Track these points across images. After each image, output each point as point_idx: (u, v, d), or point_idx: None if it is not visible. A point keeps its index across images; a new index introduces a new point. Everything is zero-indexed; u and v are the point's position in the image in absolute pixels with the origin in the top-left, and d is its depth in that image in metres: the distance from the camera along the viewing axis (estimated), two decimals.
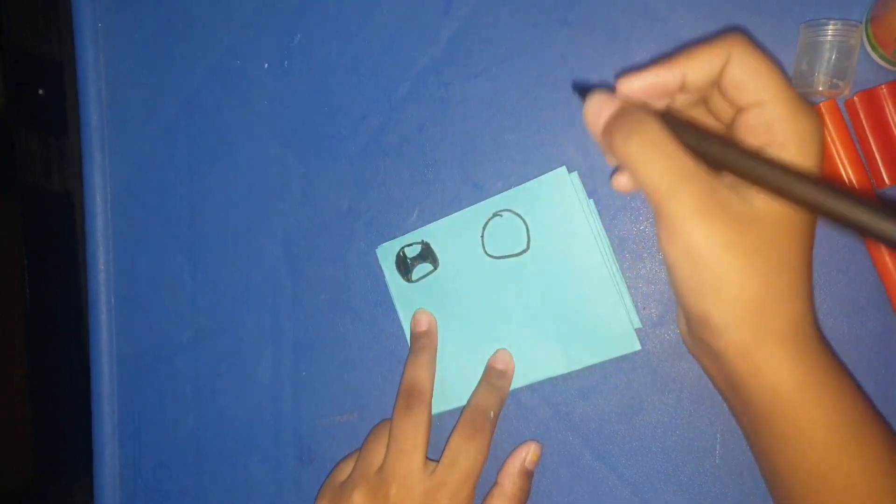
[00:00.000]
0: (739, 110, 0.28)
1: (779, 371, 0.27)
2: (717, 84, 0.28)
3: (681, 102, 0.30)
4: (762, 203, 0.26)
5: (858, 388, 0.30)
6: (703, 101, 0.30)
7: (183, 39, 0.47)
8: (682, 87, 0.28)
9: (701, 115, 0.31)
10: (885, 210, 0.23)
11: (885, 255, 0.36)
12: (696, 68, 0.27)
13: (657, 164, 0.26)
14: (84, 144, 0.48)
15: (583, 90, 0.31)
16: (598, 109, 0.29)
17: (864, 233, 0.24)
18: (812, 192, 0.24)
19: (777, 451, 0.30)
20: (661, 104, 0.29)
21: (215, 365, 0.46)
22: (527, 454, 0.40)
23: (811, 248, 0.28)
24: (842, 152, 0.35)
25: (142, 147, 0.48)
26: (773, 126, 0.26)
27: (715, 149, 0.26)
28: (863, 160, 0.36)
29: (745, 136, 0.28)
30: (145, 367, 0.48)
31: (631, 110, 0.28)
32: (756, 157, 0.26)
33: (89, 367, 0.49)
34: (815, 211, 0.25)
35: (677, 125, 0.27)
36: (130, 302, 0.48)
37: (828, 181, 0.26)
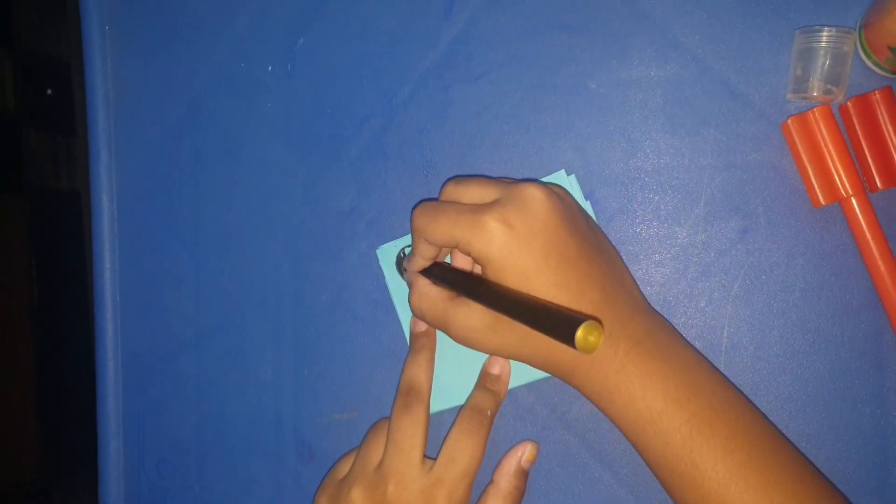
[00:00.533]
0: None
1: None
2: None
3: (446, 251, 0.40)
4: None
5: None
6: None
7: (188, 42, 0.48)
8: (433, 257, 0.38)
9: None
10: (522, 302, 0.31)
11: (876, 257, 0.36)
12: (422, 256, 0.38)
13: (430, 305, 0.37)
14: (91, 145, 0.49)
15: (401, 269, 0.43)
16: (409, 277, 0.40)
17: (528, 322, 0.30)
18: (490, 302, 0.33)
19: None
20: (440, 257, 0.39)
21: (218, 363, 0.47)
22: (523, 453, 0.40)
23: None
24: (835, 157, 0.36)
25: (147, 148, 0.49)
26: (470, 254, 0.35)
27: (447, 283, 0.37)
28: (856, 165, 0.36)
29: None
30: (149, 365, 0.49)
31: (414, 280, 0.39)
32: (465, 284, 0.36)
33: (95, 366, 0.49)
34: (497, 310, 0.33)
35: (432, 273, 0.38)
36: (135, 301, 0.49)
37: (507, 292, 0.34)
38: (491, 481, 0.40)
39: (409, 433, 0.39)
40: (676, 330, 0.37)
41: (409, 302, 0.39)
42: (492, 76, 0.42)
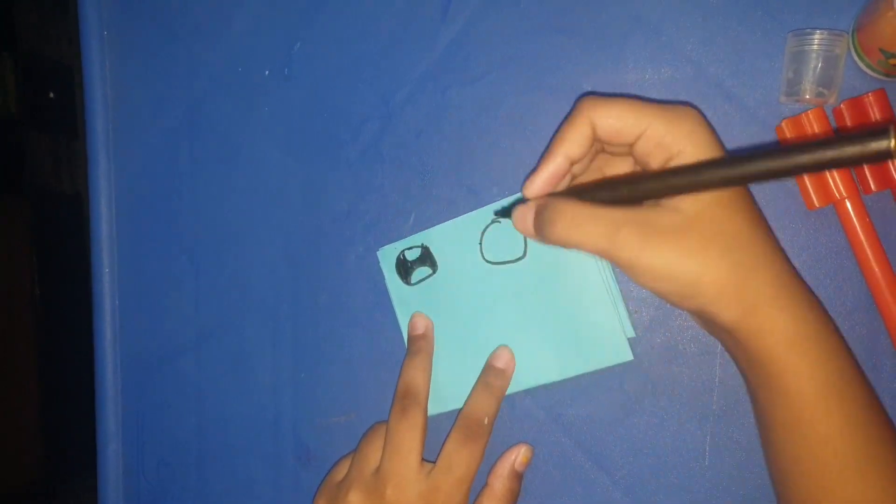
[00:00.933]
0: (631, 146, 0.31)
1: (772, 332, 0.29)
2: (599, 140, 0.32)
3: (581, 168, 0.33)
4: (687, 204, 0.29)
5: (843, 342, 0.31)
6: (601, 151, 0.33)
7: (186, 47, 0.48)
8: (573, 163, 0.32)
9: (605, 161, 0.34)
10: (782, 152, 0.25)
11: (871, 259, 0.36)
12: (572, 146, 0.31)
13: (586, 231, 0.29)
14: (90, 149, 0.49)
15: (502, 212, 0.37)
16: (521, 219, 0.33)
17: (777, 175, 0.25)
18: (717, 173, 0.27)
19: (770, 406, 0.31)
20: (565, 183, 0.33)
21: (216, 366, 0.47)
22: (517, 456, 0.40)
23: (756, 215, 0.30)
24: None
25: (146, 152, 0.49)
26: (662, 143, 0.29)
27: (623, 189, 0.30)
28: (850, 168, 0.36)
29: (648, 162, 0.31)
30: (148, 368, 0.49)
31: (543, 204, 0.32)
32: (657, 174, 0.29)
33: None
34: (729, 184, 0.27)
35: (584, 191, 0.31)
36: (134, 304, 0.49)
37: (727, 155, 0.29)
38: (485, 484, 0.40)
39: (407, 437, 0.39)
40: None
41: (551, 231, 0.30)
42: (489, 78, 0.42)
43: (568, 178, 0.33)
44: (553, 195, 0.32)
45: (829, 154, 0.23)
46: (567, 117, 0.32)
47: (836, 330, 0.32)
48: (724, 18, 0.38)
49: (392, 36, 0.44)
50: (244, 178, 0.47)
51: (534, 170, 0.33)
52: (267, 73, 0.46)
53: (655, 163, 0.30)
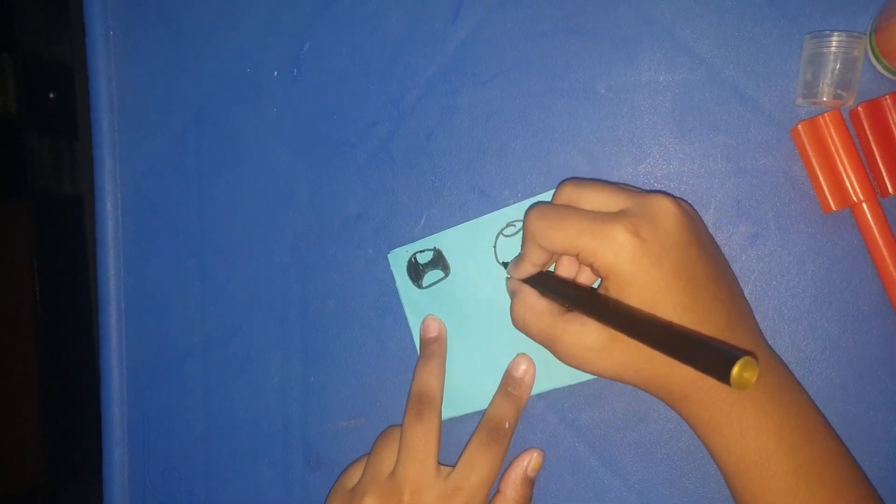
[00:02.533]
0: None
1: (699, 420, 0.34)
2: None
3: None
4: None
5: (781, 398, 0.34)
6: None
7: (193, 47, 0.47)
8: (544, 266, 0.36)
9: None
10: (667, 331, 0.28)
11: (888, 263, 0.36)
12: (534, 259, 0.36)
13: (532, 330, 0.36)
14: (95, 151, 0.49)
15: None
16: (511, 285, 0.39)
17: (652, 345, 0.28)
18: (609, 319, 0.31)
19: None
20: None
21: (224, 370, 0.47)
22: (529, 462, 0.40)
23: (689, 298, 0.32)
24: (846, 163, 0.36)
25: (152, 153, 0.49)
26: (594, 264, 0.32)
27: (567, 304, 0.35)
28: (867, 171, 0.36)
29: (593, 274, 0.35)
30: (155, 372, 0.48)
31: (516, 289, 0.38)
32: (586, 298, 0.34)
33: (99, 370, 0.49)
34: (622, 330, 0.31)
35: (540, 283, 0.36)
36: (140, 307, 0.49)
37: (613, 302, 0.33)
38: (497, 491, 0.40)
39: (423, 441, 0.38)
40: (789, 368, 0.35)
41: (512, 312, 0.37)
42: (499, 80, 0.42)
43: (552, 262, 0.38)
44: (527, 281, 0.37)
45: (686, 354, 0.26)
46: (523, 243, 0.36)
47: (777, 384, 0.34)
48: (739, 20, 0.38)
49: (402, 37, 0.43)
50: (252, 181, 0.46)
51: (518, 257, 0.37)
52: (276, 74, 0.46)
53: (596, 276, 0.35)
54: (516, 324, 0.37)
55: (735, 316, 0.34)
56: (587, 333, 0.33)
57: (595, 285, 0.37)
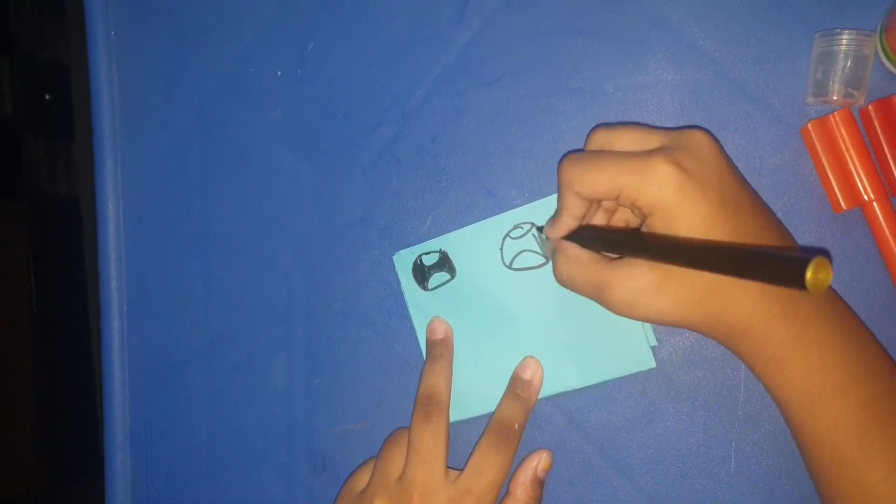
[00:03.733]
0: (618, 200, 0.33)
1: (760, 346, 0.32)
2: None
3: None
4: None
5: (838, 321, 0.33)
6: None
7: (196, 48, 0.47)
8: (582, 217, 0.35)
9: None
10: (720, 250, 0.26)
11: None
12: (572, 211, 0.35)
13: (579, 283, 0.35)
14: (96, 153, 0.48)
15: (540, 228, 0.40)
16: (550, 245, 0.38)
17: (710, 268, 0.27)
18: (660, 252, 0.30)
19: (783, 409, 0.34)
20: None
21: (228, 373, 0.46)
22: (538, 462, 0.40)
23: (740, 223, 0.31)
24: (857, 161, 0.35)
25: (155, 155, 0.48)
26: (636, 202, 0.32)
27: (612, 248, 0.34)
28: (877, 169, 0.36)
29: (634, 215, 0.35)
30: (158, 376, 0.48)
31: (556, 247, 0.37)
32: (631, 238, 0.33)
33: (96, 373, 0.49)
34: (671, 262, 0.30)
35: (580, 237, 0.35)
36: (143, 310, 0.48)
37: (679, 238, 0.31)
38: (507, 492, 0.40)
39: (431, 444, 0.38)
40: (844, 301, 0.34)
41: (555, 268, 0.36)
42: (505, 81, 0.41)
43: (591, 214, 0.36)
44: (567, 238, 0.36)
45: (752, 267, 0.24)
46: (558, 188, 0.35)
47: (832, 310, 0.33)
48: (748, 18, 0.38)
49: (407, 37, 0.43)
50: (256, 182, 0.46)
51: (555, 214, 0.36)
52: (279, 74, 0.45)
53: (638, 218, 0.33)
54: (560, 279, 0.36)
55: (784, 242, 0.33)
56: (638, 276, 0.32)
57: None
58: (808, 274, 0.22)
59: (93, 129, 0.48)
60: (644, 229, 0.33)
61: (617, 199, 0.32)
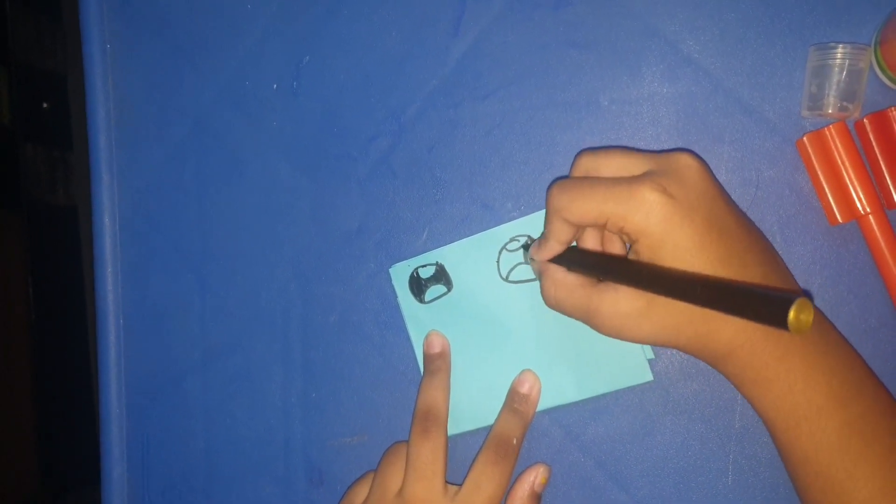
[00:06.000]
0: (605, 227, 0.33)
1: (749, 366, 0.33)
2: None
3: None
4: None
5: (823, 340, 0.33)
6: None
7: (192, 60, 0.47)
8: (570, 242, 0.35)
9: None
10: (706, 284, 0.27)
11: None
12: (560, 236, 0.35)
13: (566, 306, 0.35)
14: (92, 165, 0.48)
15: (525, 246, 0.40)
16: (536, 266, 0.38)
17: (693, 301, 0.27)
18: (645, 282, 0.30)
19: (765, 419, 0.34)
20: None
21: (225, 386, 0.46)
22: (535, 477, 0.39)
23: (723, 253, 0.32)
24: (852, 174, 0.35)
25: (151, 167, 0.48)
26: (623, 228, 0.32)
27: (588, 268, 0.35)
28: (873, 182, 0.36)
29: (623, 241, 0.35)
30: (154, 389, 0.48)
31: (542, 270, 0.37)
32: (617, 265, 0.33)
33: (94, 384, 0.48)
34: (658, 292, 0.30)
35: (567, 260, 0.36)
36: (139, 323, 0.48)
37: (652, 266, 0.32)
38: None
39: (430, 459, 0.38)
40: (830, 321, 0.35)
41: (543, 292, 0.36)
42: (501, 94, 0.41)
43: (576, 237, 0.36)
44: (552, 261, 0.36)
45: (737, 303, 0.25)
46: (547, 216, 0.35)
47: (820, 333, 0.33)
48: (743, 31, 0.38)
49: (403, 50, 0.43)
50: (252, 195, 0.46)
51: (542, 236, 0.37)
52: (275, 87, 0.45)
53: (625, 244, 0.34)
54: (549, 302, 0.36)
55: (771, 267, 0.33)
56: (623, 300, 0.32)
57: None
58: (791, 315, 0.22)
59: (88, 141, 0.48)
60: (631, 255, 0.33)
61: (605, 226, 0.32)
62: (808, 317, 0.22)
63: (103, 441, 0.48)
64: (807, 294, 0.34)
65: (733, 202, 0.34)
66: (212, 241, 0.47)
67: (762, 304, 0.23)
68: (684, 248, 0.31)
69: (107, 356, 0.48)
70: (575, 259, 0.35)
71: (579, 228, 0.35)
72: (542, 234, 0.36)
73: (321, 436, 0.44)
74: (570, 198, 0.33)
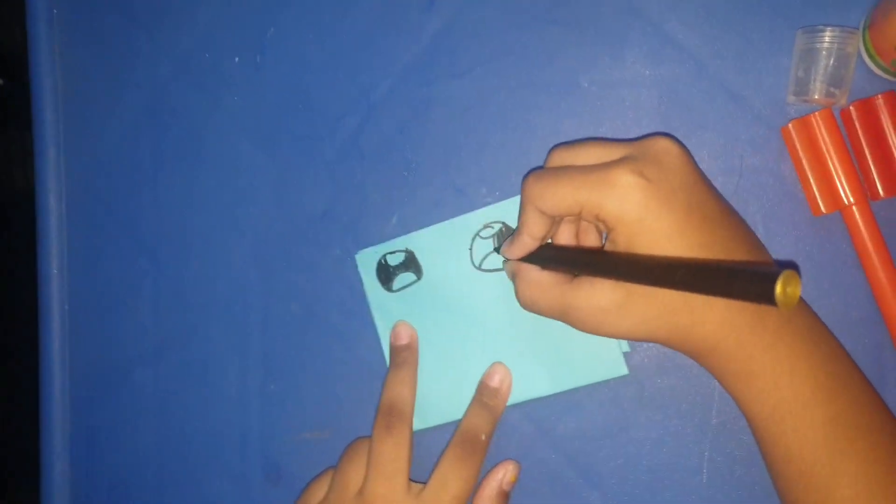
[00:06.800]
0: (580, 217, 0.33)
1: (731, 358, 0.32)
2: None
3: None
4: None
5: (809, 334, 0.32)
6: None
7: (148, 30, 0.45)
8: (543, 238, 0.34)
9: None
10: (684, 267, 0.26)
11: (878, 268, 0.35)
12: (533, 229, 0.33)
13: (542, 306, 0.34)
14: (37, 141, 0.46)
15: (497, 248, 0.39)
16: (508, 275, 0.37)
17: (666, 286, 0.26)
18: (623, 272, 0.29)
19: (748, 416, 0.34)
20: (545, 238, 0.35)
21: (178, 378, 0.44)
22: (504, 475, 0.38)
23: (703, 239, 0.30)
24: (837, 164, 0.34)
25: (102, 145, 0.46)
26: (599, 216, 0.30)
27: (572, 269, 0.33)
28: (858, 172, 0.35)
29: (599, 230, 0.34)
30: (102, 380, 0.46)
31: (514, 270, 0.36)
32: (592, 257, 0.33)
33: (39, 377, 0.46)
34: (636, 281, 0.29)
35: (540, 258, 0.34)
36: (86, 310, 0.46)
37: (629, 255, 0.31)
38: None
39: (393, 456, 0.37)
40: (815, 313, 0.34)
41: (517, 293, 0.35)
42: (477, 72, 0.40)
43: (552, 232, 0.35)
44: (525, 259, 0.35)
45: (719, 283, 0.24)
46: (523, 203, 0.34)
47: (805, 324, 0.32)
48: (729, 13, 0.37)
49: (374, 24, 0.41)
50: (210, 174, 0.44)
51: (513, 234, 0.35)
52: (237, 60, 0.43)
53: (595, 233, 0.33)
54: (524, 304, 0.35)
55: (755, 255, 0.32)
56: (601, 295, 0.31)
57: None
58: (778, 289, 0.21)
59: (32, 116, 0.46)
60: (608, 245, 0.32)
61: (580, 214, 0.31)
62: (795, 290, 0.21)
63: (44, 436, 0.46)
64: (793, 266, 0.33)
65: (715, 189, 0.33)
66: (166, 224, 0.45)
67: (747, 280, 0.22)
68: (663, 234, 0.29)
69: (50, 345, 0.46)
70: (548, 256, 0.34)
71: (554, 222, 0.34)
72: (515, 230, 0.35)
73: (280, 431, 0.43)
74: (544, 185, 0.32)
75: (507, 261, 0.36)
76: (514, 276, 0.36)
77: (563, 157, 0.33)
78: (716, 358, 0.31)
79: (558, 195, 0.31)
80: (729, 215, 0.32)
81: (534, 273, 0.34)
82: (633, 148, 0.31)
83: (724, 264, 0.26)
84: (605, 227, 0.31)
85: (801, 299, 0.34)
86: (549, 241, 0.35)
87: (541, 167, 0.36)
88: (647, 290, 0.30)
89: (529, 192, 0.32)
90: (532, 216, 0.33)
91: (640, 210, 0.29)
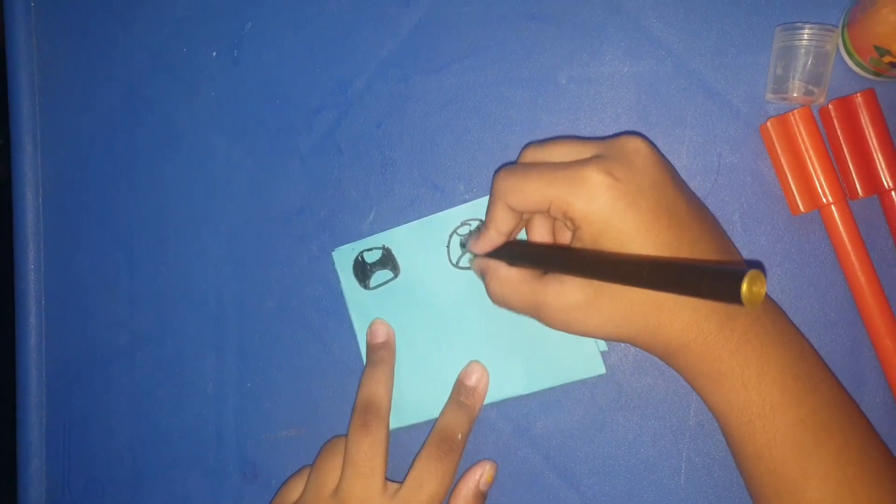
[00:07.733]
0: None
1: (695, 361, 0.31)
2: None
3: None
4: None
5: (780, 332, 0.32)
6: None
7: (124, 21, 0.44)
8: (510, 233, 0.34)
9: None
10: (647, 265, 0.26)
11: (856, 268, 0.34)
12: (500, 225, 0.33)
13: (513, 302, 0.34)
14: (13, 133, 0.45)
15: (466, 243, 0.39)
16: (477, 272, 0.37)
17: (638, 285, 0.26)
18: (589, 268, 0.29)
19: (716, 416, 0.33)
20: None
21: (153, 373, 0.44)
22: (481, 475, 0.38)
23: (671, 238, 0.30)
24: (816, 163, 0.34)
25: (77, 137, 0.45)
26: (566, 213, 0.30)
27: (530, 261, 0.33)
28: (836, 170, 0.34)
29: (565, 228, 0.33)
30: (77, 374, 0.45)
31: (483, 267, 0.35)
32: (560, 253, 0.33)
33: (15, 371, 0.46)
34: (605, 279, 0.29)
35: (507, 254, 0.34)
36: (62, 304, 0.45)
37: (592, 251, 0.30)
38: None
39: (369, 455, 0.36)
40: (786, 314, 0.33)
41: (488, 290, 0.35)
42: (455, 67, 0.39)
43: (520, 229, 0.35)
44: (493, 255, 0.35)
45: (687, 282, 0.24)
46: (490, 198, 0.34)
47: (775, 324, 0.32)
48: (708, 10, 0.36)
49: (352, 17, 0.41)
50: (186, 169, 0.43)
51: (479, 228, 0.36)
52: (214, 54, 0.43)
53: (569, 231, 0.32)
54: (495, 300, 0.34)
55: (725, 254, 0.32)
56: (569, 291, 0.31)
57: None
58: (744, 287, 0.21)
59: (9, 107, 0.45)
60: (574, 242, 0.31)
61: (548, 211, 0.31)
62: (760, 289, 0.21)
63: (20, 430, 0.45)
64: (758, 266, 0.33)
65: (688, 189, 0.33)
66: (142, 217, 0.44)
67: (713, 278, 0.22)
68: (629, 233, 0.29)
69: (26, 338, 0.45)
70: (515, 252, 0.34)
71: (522, 218, 0.33)
72: (481, 226, 0.35)
73: (256, 428, 0.42)
74: (514, 181, 0.31)
75: (475, 257, 0.36)
76: (482, 273, 0.35)
77: (535, 155, 0.33)
78: (684, 359, 0.31)
79: (527, 191, 0.31)
80: (699, 216, 0.31)
81: (503, 270, 0.34)
82: (605, 147, 0.31)
83: (690, 263, 0.25)
84: (572, 225, 0.31)
85: (772, 301, 0.33)
86: (518, 238, 0.35)
87: (514, 162, 0.36)
88: (616, 288, 0.29)
89: (499, 187, 0.32)
90: (500, 211, 0.33)
91: (606, 209, 0.29)
